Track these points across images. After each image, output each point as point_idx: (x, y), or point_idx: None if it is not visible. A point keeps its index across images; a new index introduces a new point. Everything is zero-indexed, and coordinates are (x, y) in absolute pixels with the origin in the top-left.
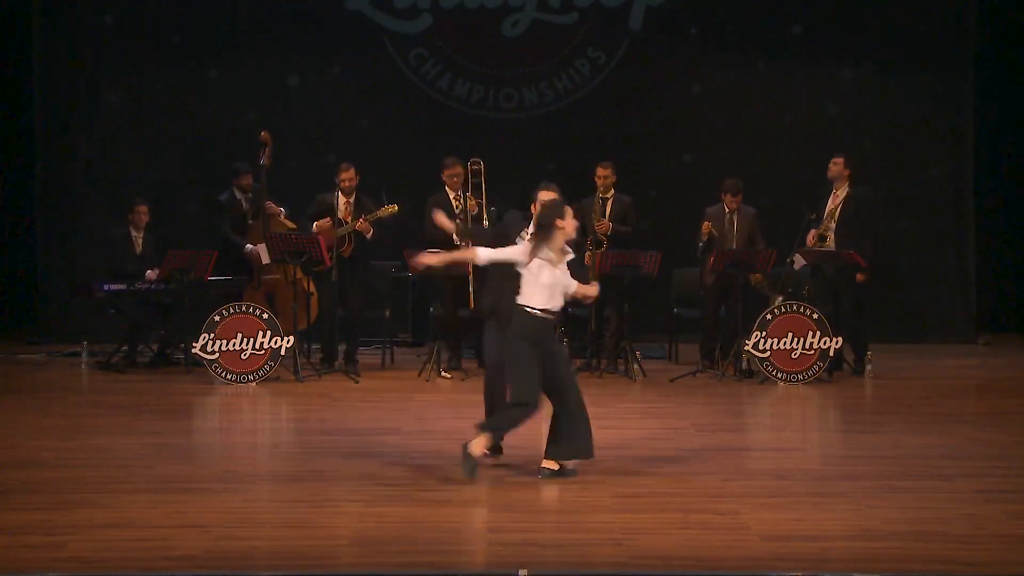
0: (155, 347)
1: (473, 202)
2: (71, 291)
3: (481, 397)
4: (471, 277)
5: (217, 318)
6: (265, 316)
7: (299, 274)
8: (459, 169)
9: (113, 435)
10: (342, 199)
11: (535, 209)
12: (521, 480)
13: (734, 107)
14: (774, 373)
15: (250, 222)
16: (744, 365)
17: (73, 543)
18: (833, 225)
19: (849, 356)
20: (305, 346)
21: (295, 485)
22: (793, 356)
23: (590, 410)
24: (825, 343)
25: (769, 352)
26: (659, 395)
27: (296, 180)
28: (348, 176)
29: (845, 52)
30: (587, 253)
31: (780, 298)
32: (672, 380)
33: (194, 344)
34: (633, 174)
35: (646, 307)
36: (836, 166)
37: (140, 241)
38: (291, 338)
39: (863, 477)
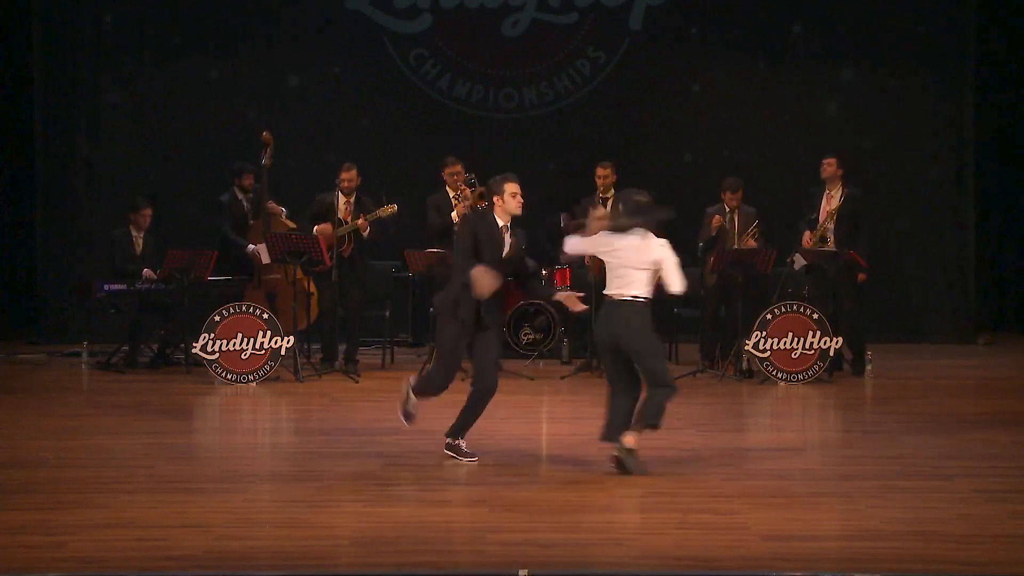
0: (155, 347)
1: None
2: (71, 291)
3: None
4: None
5: (217, 318)
6: (265, 316)
7: (299, 274)
8: (459, 168)
9: (113, 435)
10: (342, 199)
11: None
12: (521, 480)
13: (734, 107)
14: (774, 373)
15: (251, 222)
16: (744, 365)
17: (73, 543)
18: (831, 225)
19: (848, 356)
20: (305, 346)
21: (295, 485)
22: (793, 356)
23: (590, 410)
24: (825, 343)
25: (769, 352)
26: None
27: (296, 180)
28: (349, 176)
29: (845, 52)
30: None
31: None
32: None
33: (194, 344)
34: (633, 174)
35: None
36: (830, 167)
37: (140, 241)
38: (291, 338)
39: (863, 477)
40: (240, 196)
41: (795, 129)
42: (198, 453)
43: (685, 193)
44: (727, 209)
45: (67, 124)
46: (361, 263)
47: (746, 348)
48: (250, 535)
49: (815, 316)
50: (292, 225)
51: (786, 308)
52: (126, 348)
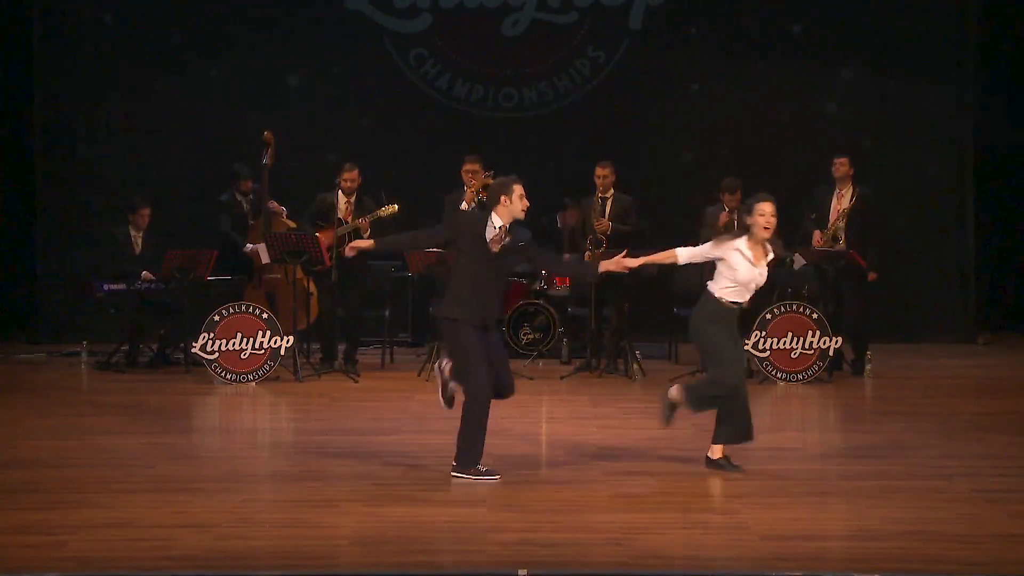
0: (155, 347)
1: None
2: (71, 291)
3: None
4: None
5: (217, 318)
6: (265, 316)
7: (299, 274)
8: (477, 166)
9: (113, 435)
10: (343, 198)
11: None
12: (521, 480)
13: (734, 106)
14: (774, 373)
15: (251, 222)
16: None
17: (73, 543)
18: (843, 224)
19: (849, 356)
20: (305, 346)
21: (295, 485)
22: (793, 356)
23: (590, 410)
24: (825, 343)
25: (769, 352)
26: (659, 395)
27: (296, 180)
28: (351, 177)
29: (845, 52)
30: (587, 253)
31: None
32: (672, 380)
33: (194, 344)
34: (633, 174)
35: (646, 307)
36: (843, 166)
37: (140, 241)
38: (291, 338)
39: (863, 477)
40: (239, 198)
41: (795, 129)
42: (198, 453)
43: (684, 193)
44: (726, 209)
45: (67, 124)
46: (361, 263)
47: (745, 348)
48: (250, 535)
49: (814, 316)
50: (293, 225)
51: (786, 308)
52: (126, 348)
